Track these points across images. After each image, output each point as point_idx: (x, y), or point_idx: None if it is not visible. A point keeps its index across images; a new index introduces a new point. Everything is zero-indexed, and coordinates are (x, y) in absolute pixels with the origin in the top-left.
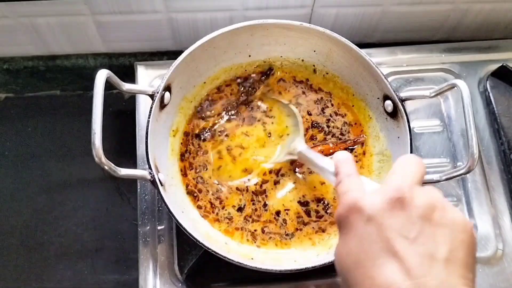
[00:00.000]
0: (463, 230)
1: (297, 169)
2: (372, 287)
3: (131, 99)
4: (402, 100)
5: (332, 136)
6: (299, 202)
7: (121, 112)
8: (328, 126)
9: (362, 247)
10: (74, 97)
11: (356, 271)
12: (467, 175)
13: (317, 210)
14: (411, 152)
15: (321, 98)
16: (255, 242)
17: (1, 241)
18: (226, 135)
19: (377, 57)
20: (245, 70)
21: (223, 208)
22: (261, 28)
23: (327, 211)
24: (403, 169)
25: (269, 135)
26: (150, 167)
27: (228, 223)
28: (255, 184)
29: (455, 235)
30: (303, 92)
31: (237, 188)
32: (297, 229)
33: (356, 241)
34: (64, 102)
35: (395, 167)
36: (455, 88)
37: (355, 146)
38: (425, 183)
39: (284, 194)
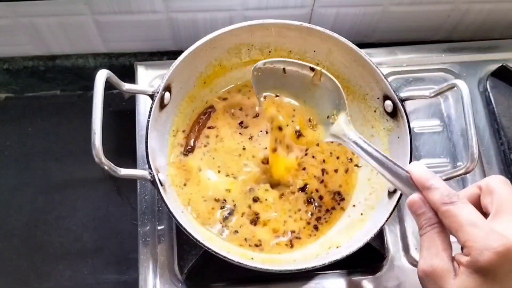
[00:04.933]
0: None
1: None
2: None
3: (131, 99)
4: (402, 100)
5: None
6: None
7: (121, 112)
8: None
9: None
10: (74, 97)
11: None
12: (467, 175)
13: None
14: (411, 151)
15: None
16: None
17: (1, 241)
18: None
19: (377, 57)
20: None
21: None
22: (261, 28)
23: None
24: None
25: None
26: (150, 167)
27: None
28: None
29: None
30: None
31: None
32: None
33: None
34: (64, 102)
35: (502, 198)
36: (455, 88)
37: None
38: None
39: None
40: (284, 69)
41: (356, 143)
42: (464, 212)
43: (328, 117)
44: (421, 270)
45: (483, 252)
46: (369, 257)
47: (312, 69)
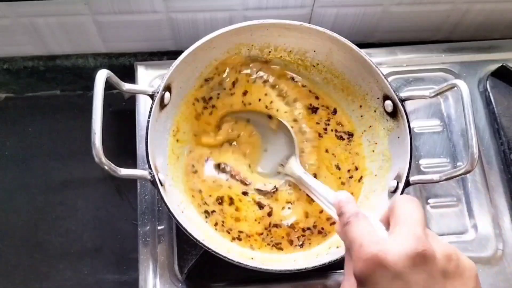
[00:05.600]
0: (474, 276)
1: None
2: None
3: (131, 99)
4: (402, 100)
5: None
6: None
7: (121, 112)
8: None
9: None
10: (74, 97)
11: None
12: (467, 175)
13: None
14: (411, 151)
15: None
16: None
17: (1, 241)
18: None
19: (377, 57)
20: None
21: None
22: (261, 28)
23: None
24: (410, 215)
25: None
26: (150, 167)
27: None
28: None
29: (469, 284)
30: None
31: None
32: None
33: None
34: (64, 102)
35: (399, 212)
36: (455, 88)
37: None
38: (424, 183)
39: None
40: (248, 120)
41: (301, 178)
42: (354, 230)
43: (281, 164)
44: None
45: (356, 262)
46: None
47: (270, 117)
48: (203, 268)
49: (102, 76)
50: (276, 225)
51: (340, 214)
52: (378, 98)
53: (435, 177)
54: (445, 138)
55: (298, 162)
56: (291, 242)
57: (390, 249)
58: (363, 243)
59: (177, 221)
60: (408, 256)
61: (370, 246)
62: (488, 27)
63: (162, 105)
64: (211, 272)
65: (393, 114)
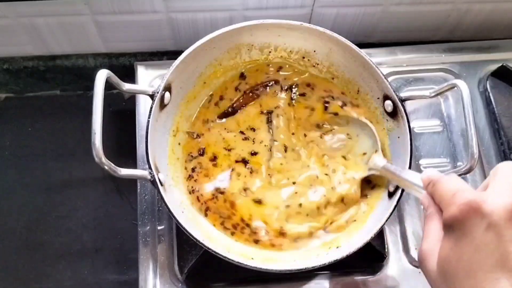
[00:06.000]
0: None
1: None
2: None
3: (131, 99)
4: (402, 100)
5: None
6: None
7: (121, 112)
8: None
9: (477, 256)
10: (74, 97)
11: (465, 281)
12: (467, 175)
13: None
14: (411, 151)
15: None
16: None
17: (1, 241)
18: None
19: (377, 57)
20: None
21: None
22: (261, 28)
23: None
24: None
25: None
26: (150, 167)
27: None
28: None
29: None
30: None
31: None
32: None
33: (471, 249)
34: (64, 102)
35: (500, 172)
36: (455, 88)
37: None
38: None
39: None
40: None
41: (385, 168)
42: (445, 183)
43: (364, 153)
44: (419, 252)
45: (448, 207)
46: (369, 257)
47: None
48: (203, 268)
49: (102, 76)
50: (222, 192)
51: (428, 184)
52: (378, 98)
53: None
54: (445, 138)
55: (381, 154)
56: (240, 231)
57: (488, 198)
58: (457, 191)
59: (177, 221)
60: (507, 209)
61: (466, 192)
62: (488, 27)
63: (162, 105)
64: (211, 272)
65: (393, 114)
